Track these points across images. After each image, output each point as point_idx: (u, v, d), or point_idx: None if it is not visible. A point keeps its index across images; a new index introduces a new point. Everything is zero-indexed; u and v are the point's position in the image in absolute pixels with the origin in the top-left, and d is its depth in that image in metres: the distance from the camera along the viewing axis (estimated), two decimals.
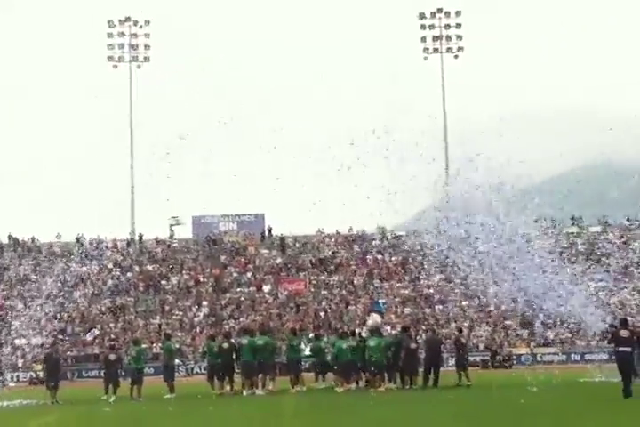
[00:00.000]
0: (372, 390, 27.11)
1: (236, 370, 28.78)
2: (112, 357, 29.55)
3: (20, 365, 48.85)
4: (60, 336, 52.93)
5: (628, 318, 27.46)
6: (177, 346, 31.52)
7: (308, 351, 31.41)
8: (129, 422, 20.67)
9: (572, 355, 49.62)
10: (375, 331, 29.42)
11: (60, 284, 58.26)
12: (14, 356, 49.79)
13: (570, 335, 51.60)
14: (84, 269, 60.41)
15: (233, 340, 30.13)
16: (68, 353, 50.55)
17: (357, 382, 29.18)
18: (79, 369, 48.60)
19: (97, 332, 53.34)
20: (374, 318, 33.28)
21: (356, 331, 32.50)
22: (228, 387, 28.63)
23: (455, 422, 17.87)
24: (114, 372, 29.05)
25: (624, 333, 22.73)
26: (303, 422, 19.00)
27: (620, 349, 22.51)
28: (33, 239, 63.99)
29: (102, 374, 30.84)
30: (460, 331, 35.47)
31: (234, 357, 28.56)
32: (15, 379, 46.09)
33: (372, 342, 28.24)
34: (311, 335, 34.55)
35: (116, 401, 27.14)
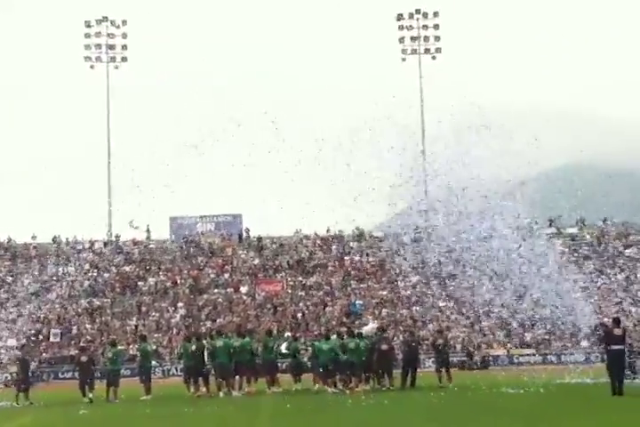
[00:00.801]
0: (349, 391, 27.10)
1: (212, 372, 28.71)
2: (84, 358, 29.42)
3: None
4: (35, 338, 52.54)
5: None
6: (153, 347, 31.40)
7: (284, 350, 31.26)
8: (105, 424, 20.55)
9: (549, 356, 49.85)
10: (367, 336, 29.67)
11: (35, 285, 58.04)
12: None
13: (546, 337, 51.86)
14: (61, 270, 60.10)
15: (204, 341, 29.96)
16: (44, 355, 50.26)
17: (335, 385, 29.17)
18: (55, 371, 48.33)
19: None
20: (372, 326, 33.59)
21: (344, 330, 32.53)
22: (204, 389, 28.54)
23: (429, 422, 17.89)
24: (87, 374, 28.95)
25: (617, 331, 22.97)
26: (279, 423, 18.95)
27: (613, 347, 22.72)
28: (9, 240, 63.58)
29: (77, 376, 30.74)
30: (441, 332, 35.50)
31: (205, 359, 28.50)
32: None
33: (351, 344, 28.29)
34: (287, 335, 34.55)
35: (92, 403, 26.98)
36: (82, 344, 40.05)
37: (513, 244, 35.07)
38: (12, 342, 50.81)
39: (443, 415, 19.25)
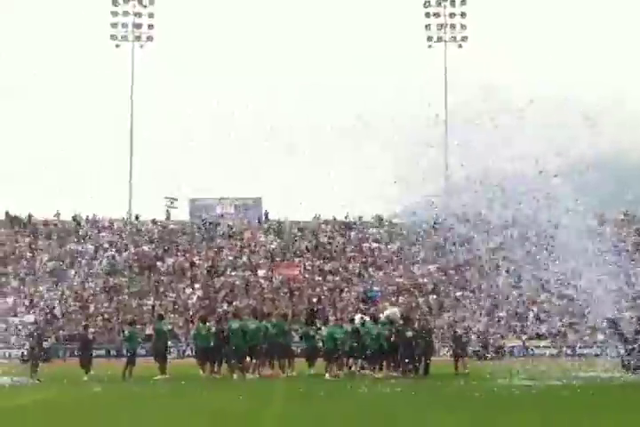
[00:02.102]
0: (370, 376, 27.22)
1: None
2: (89, 336, 29.93)
3: (12, 342, 48.86)
4: (51, 315, 52.79)
5: None
6: (169, 327, 31.60)
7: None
8: (117, 403, 20.63)
9: (564, 348, 49.62)
10: (391, 321, 29.63)
11: (54, 262, 58.33)
12: (7, 333, 49.87)
13: (562, 329, 51.68)
14: (80, 248, 60.34)
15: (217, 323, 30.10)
16: (61, 332, 50.52)
17: (350, 368, 29.29)
18: (71, 348, 48.58)
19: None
20: (392, 311, 33.49)
21: (357, 317, 32.43)
22: (217, 370, 28.70)
23: (442, 411, 17.86)
24: (88, 352, 29.45)
25: None
26: (291, 408, 18.98)
27: None
28: (29, 216, 63.85)
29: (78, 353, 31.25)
30: (456, 321, 35.48)
31: (223, 341, 28.61)
32: (7, 356, 46.11)
33: (370, 330, 28.35)
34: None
35: (91, 380, 27.47)
36: (84, 323, 40.24)
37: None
38: (29, 317, 51.11)
39: (457, 405, 19.20)
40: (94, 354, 31.33)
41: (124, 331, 41.51)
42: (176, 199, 65.99)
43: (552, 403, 19.51)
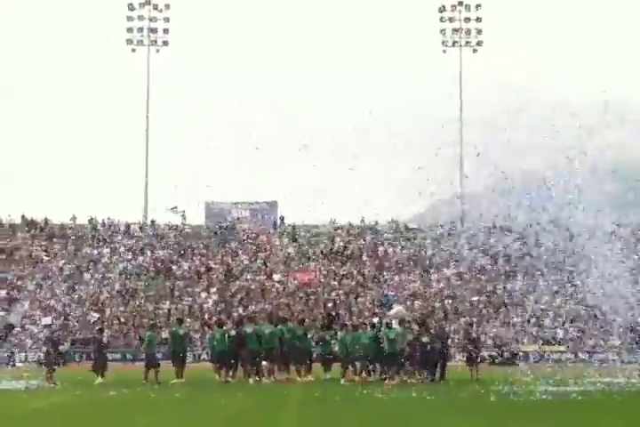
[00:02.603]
0: (386, 382, 27.17)
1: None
2: (104, 340, 30.19)
3: (29, 345, 49.05)
4: (66, 319, 52.90)
5: None
6: (185, 331, 31.55)
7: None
8: (132, 406, 20.66)
9: (580, 354, 49.44)
10: (401, 322, 29.53)
11: (70, 266, 58.53)
12: (24, 336, 50.04)
13: (578, 334, 51.51)
14: (96, 251, 60.55)
15: (234, 328, 30.11)
16: (77, 336, 50.63)
17: (369, 374, 29.26)
18: (87, 351, 48.73)
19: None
20: (398, 309, 33.41)
21: (378, 321, 32.37)
22: (233, 375, 28.72)
23: (457, 417, 17.82)
24: (103, 355, 29.64)
25: None
26: (307, 412, 18.98)
27: None
28: (46, 220, 64.11)
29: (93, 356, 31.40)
30: (471, 325, 35.39)
31: (240, 345, 28.63)
32: (24, 359, 46.28)
33: (389, 334, 28.30)
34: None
35: (103, 384, 27.59)
36: (98, 326, 40.35)
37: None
38: (46, 320, 51.22)
39: (473, 410, 19.16)
40: (110, 358, 31.45)
41: (140, 336, 41.68)
42: (176, 209, 65.56)
43: (568, 409, 19.44)
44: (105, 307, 54.44)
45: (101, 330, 33.51)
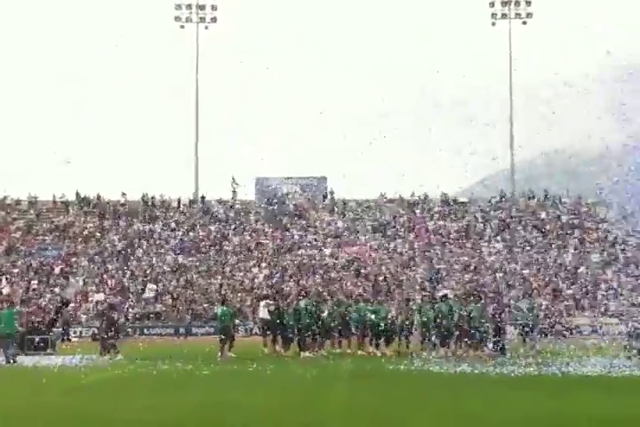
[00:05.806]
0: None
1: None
2: (114, 315, 30.44)
3: (83, 320, 49.75)
4: (121, 294, 53.47)
5: None
6: (231, 311, 31.09)
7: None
8: (178, 380, 20.75)
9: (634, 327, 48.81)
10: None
11: (123, 242, 59.16)
12: (78, 311, 50.73)
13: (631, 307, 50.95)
14: (148, 227, 61.10)
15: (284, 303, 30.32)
16: (130, 311, 51.21)
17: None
18: (141, 327, 49.35)
19: (155, 287, 53.73)
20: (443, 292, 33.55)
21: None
22: (280, 348, 29.04)
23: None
24: (113, 331, 29.83)
25: None
26: (358, 385, 19.04)
27: None
28: (98, 197, 64.76)
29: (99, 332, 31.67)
30: (522, 297, 35.14)
31: (283, 319, 28.86)
32: (78, 334, 46.94)
33: (443, 308, 28.37)
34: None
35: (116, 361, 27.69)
36: (109, 302, 40.54)
37: None
38: (99, 296, 51.85)
39: (529, 385, 19.09)
40: (163, 333, 31.56)
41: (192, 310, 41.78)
42: (234, 181, 66.15)
43: (622, 383, 19.29)
44: (157, 282, 54.95)
45: (112, 306, 33.32)
